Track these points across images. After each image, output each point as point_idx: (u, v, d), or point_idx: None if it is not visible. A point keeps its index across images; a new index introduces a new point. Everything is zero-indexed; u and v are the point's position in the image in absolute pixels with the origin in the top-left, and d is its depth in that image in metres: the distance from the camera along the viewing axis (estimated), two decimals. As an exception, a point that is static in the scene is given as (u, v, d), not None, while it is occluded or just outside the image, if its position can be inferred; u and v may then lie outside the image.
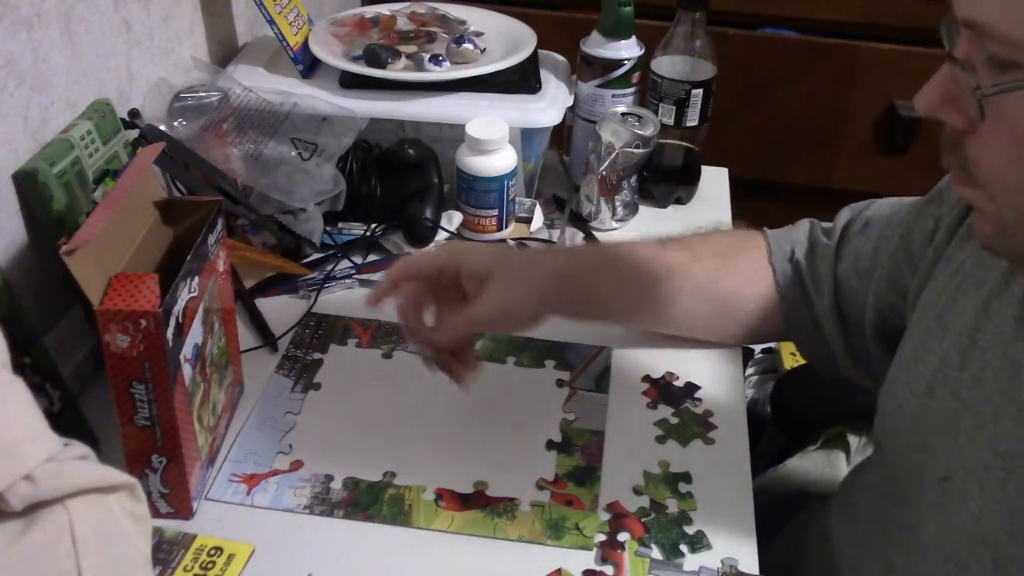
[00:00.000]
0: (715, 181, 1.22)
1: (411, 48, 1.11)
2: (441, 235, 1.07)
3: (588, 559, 0.72)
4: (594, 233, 1.10)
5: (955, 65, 0.56)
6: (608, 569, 0.71)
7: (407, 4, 1.21)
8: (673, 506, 0.77)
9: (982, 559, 0.64)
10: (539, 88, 1.10)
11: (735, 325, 0.92)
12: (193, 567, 0.69)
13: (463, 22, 1.18)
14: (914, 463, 0.71)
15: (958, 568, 0.66)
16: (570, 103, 1.13)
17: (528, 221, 1.10)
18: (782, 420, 1.19)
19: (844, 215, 0.88)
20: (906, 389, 0.73)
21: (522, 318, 0.83)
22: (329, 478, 0.78)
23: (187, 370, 0.69)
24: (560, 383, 0.89)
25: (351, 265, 1.02)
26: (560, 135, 1.18)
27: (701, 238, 0.93)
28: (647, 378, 0.90)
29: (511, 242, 1.07)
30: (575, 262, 0.89)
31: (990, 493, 0.63)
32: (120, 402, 0.66)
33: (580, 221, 1.11)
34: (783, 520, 0.95)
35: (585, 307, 0.89)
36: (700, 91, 1.12)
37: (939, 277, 0.73)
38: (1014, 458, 0.62)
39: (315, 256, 1.02)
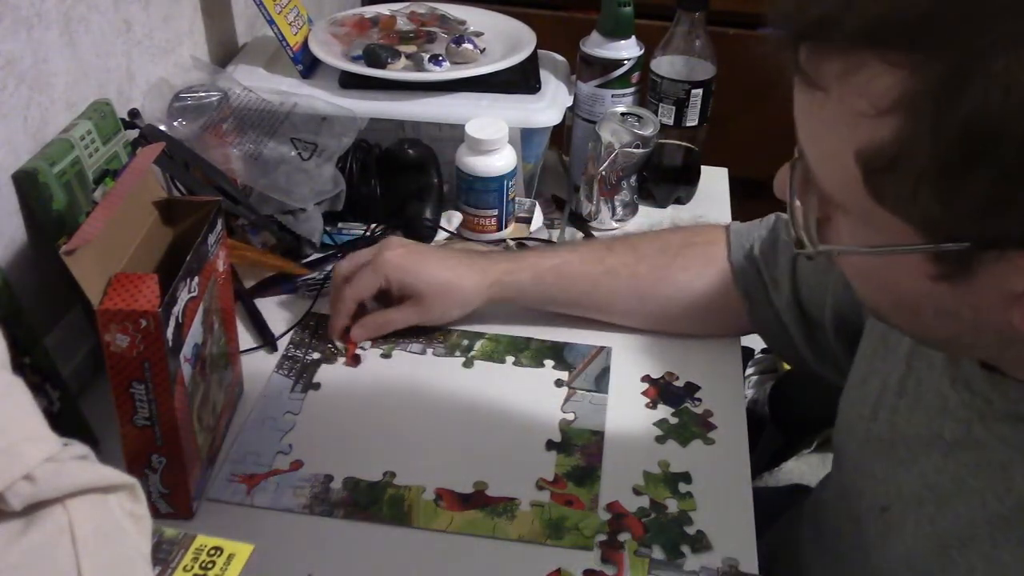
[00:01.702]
0: (715, 181, 1.22)
1: (411, 48, 1.11)
2: (441, 235, 1.07)
3: (588, 559, 0.72)
4: (594, 233, 1.10)
5: (791, 191, 0.54)
6: (608, 569, 0.71)
7: (407, 4, 1.21)
8: (673, 506, 0.77)
9: None
10: (539, 88, 1.10)
11: (690, 319, 0.92)
12: (193, 567, 0.69)
13: (463, 22, 1.18)
14: (860, 488, 0.71)
15: None
16: (570, 103, 1.13)
17: (528, 221, 1.10)
18: (781, 420, 1.19)
19: None
20: (854, 410, 0.73)
21: (438, 324, 0.93)
22: (329, 478, 0.78)
23: (187, 370, 0.69)
24: (559, 383, 0.89)
25: (351, 265, 1.02)
26: (560, 135, 1.18)
27: (651, 236, 0.93)
28: (647, 378, 0.90)
29: (510, 242, 1.07)
30: (511, 279, 0.91)
31: (922, 527, 0.63)
32: (120, 402, 0.66)
33: (580, 221, 1.11)
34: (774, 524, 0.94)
35: (526, 307, 0.93)
36: (700, 91, 1.12)
37: None
38: (942, 493, 0.61)
39: (315, 256, 1.02)
